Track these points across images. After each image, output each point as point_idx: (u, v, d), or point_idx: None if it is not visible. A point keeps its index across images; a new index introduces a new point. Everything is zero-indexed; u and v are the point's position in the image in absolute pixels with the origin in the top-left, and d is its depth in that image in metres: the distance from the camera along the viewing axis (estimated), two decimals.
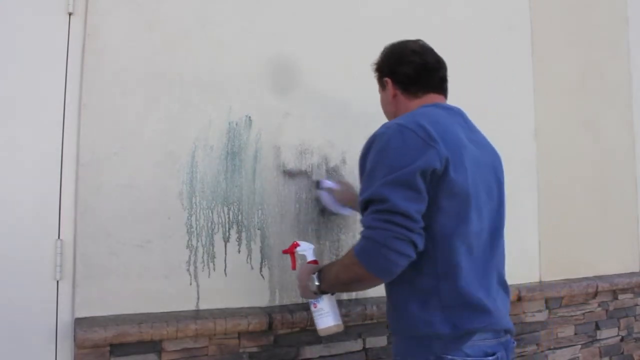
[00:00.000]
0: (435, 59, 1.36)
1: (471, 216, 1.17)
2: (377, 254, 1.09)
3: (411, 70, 1.34)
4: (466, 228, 1.16)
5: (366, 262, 1.12)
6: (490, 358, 1.16)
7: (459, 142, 1.19)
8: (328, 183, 1.78)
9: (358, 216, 1.92)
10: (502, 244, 1.30)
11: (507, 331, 1.23)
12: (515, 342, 1.30)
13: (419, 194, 1.10)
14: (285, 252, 1.64)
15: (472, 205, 1.17)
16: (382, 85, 1.43)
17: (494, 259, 1.25)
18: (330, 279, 1.32)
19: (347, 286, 1.39)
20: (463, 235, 1.16)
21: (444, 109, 1.29)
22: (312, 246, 1.57)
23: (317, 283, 1.36)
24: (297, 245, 1.58)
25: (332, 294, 1.44)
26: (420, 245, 1.11)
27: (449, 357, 1.14)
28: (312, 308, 1.46)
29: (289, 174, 1.81)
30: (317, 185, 1.82)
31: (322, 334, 1.48)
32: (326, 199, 1.78)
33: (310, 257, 1.53)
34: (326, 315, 1.44)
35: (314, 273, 1.38)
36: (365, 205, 1.15)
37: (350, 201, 1.72)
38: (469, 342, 1.14)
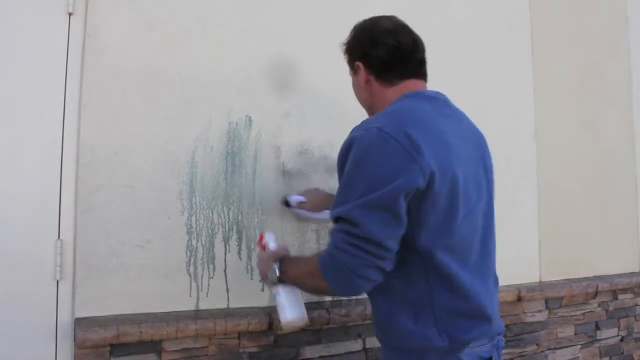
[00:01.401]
0: (411, 38, 1.21)
1: (459, 223, 1.09)
2: (343, 277, 1.05)
3: (385, 53, 1.19)
4: (453, 238, 1.09)
5: (330, 280, 1.07)
6: None
7: (446, 145, 1.08)
8: (296, 198, 1.69)
9: None
10: (493, 241, 1.22)
11: (499, 333, 1.20)
12: (504, 341, 1.27)
13: (397, 219, 1.02)
14: (258, 244, 1.52)
15: (461, 211, 1.09)
16: (354, 70, 1.27)
17: (489, 259, 1.20)
18: (293, 277, 1.25)
19: (311, 292, 1.32)
20: (452, 245, 1.09)
21: (428, 100, 1.16)
22: (272, 235, 1.47)
23: (277, 274, 1.27)
24: (263, 237, 1.48)
25: None
26: (390, 268, 1.05)
27: None
28: (275, 301, 1.35)
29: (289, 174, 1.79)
30: (287, 204, 1.71)
31: (284, 328, 1.41)
32: (303, 213, 1.71)
33: (272, 247, 1.42)
34: (284, 310, 1.32)
35: (275, 261, 1.29)
36: (336, 220, 1.07)
37: (324, 202, 1.62)
38: (465, 350, 1.11)
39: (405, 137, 1.02)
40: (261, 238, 1.47)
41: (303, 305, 1.34)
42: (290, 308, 1.31)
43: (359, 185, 1.04)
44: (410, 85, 1.20)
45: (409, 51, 1.20)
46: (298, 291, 1.33)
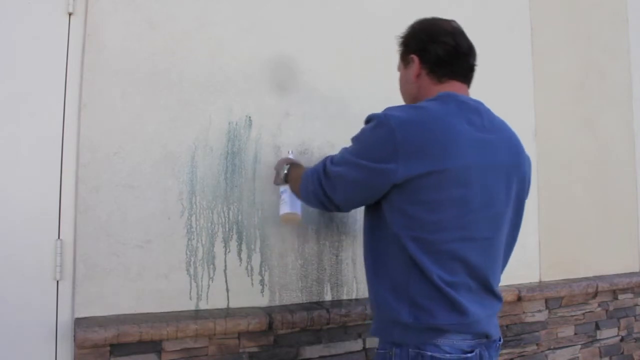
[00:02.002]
0: (467, 44, 1.27)
1: (445, 224, 1.13)
2: (305, 193, 1.38)
3: (442, 51, 1.25)
4: (431, 234, 1.14)
5: (300, 189, 1.40)
6: (469, 355, 1.15)
7: (452, 149, 1.12)
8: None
9: (359, 217, 1.92)
10: (498, 253, 1.24)
11: (487, 335, 1.19)
12: (501, 343, 1.28)
13: (362, 191, 1.21)
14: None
15: (449, 210, 1.13)
16: (406, 62, 1.33)
17: (486, 265, 1.20)
18: (290, 178, 1.57)
19: (294, 190, 1.55)
20: (427, 240, 1.14)
21: (457, 104, 1.20)
22: (292, 152, 1.76)
23: (285, 172, 1.59)
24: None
25: None
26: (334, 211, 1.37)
27: (429, 353, 1.13)
28: (279, 199, 1.65)
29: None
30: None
31: (281, 220, 1.67)
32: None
33: (290, 157, 1.71)
34: (284, 204, 1.61)
35: (288, 164, 1.60)
36: (324, 160, 1.31)
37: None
38: (443, 340, 1.13)
39: (404, 132, 1.12)
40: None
41: (300, 208, 1.62)
42: (291, 205, 1.60)
43: (352, 147, 1.24)
44: (455, 86, 1.26)
45: (464, 54, 1.27)
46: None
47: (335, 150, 1.93)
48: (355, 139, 1.25)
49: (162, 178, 1.61)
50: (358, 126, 2.03)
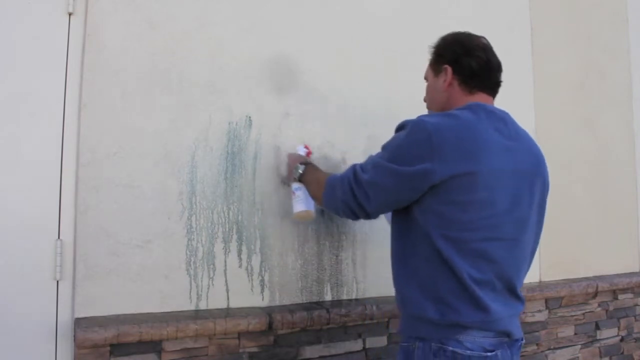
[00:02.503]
0: (497, 61, 1.36)
1: (475, 224, 1.18)
2: (331, 201, 1.39)
3: (476, 64, 1.32)
4: (462, 232, 1.19)
5: (324, 196, 1.41)
6: (489, 354, 1.18)
7: (481, 154, 1.19)
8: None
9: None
10: (523, 254, 1.29)
11: (509, 334, 1.23)
12: (523, 343, 1.31)
13: (395, 194, 1.24)
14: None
15: (477, 211, 1.18)
16: (437, 71, 1.39)
17: (512, 265, 1.25)
18: (306, 180, 1.57)
19: (311, 193, 1.57)
20: (458, 239, 1.19)
21: (485, 113, 1.27)
22: (303, 147, 1.75)
23: (300, 172, 1.59)
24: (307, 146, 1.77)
25: None
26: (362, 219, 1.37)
27: (450, 348, 1.17)
28: (292, 196, 1.66)
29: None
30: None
31: (295, 217, 1.69)
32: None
33: (302, 153, 1.72)
34: (300, 202, 1.63)
35: (302, 163, 1.61)
36: (354, 168, 1.32)
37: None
38: (465, 337, 1.18)
39: (439, 135, 1.17)
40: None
41: (314, 206, 1.64)
42: (306, 203, 1.62)
43: (385, 153, 1.27)
44: (483, 98, 1.33)
45: (495, 69, 1.36)
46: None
47: (334, 150, 1.95)
48: (387, 146, 1.28)
49: (162, 178, 1.61)
50: (358, 126, 2.04)
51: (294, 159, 1.67)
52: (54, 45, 1.54)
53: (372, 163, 1.28)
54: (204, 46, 1.70)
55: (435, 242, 1.19)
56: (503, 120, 1.29)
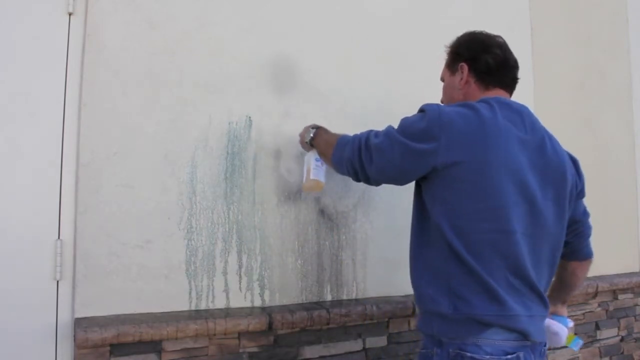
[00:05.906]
0: (514, 58, 1.38)
1: (482, 215, 1.19)
2: (339, 159, 1.42)
3: (493, 61, 1.34)
4: (472, 223, 1.20)
5: (333, 154, 1.45)
6: (509, 357, 1.15)
7: (492, 142, 1.20)
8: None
9: (358, 217, 1.92)
10: (541, 250, 1.27)
11: (527, 336, 1.19)
12: (546, 348, 1.29)
13: (401, 167, 1.27)
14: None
15: (486, 203, 1.19)
16: (453, 70, 1.41)
17: (528, 261, 1.22)
18: (318, 141, 1.60)
19: (320, 152, 1.60)
20: (462, 228, 1.20)
21: (500, 105, 1.27)
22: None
23: (311, 135, 1.62)
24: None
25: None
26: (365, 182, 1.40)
27: (469, 354, 1.15)
28: (305, 166, 1.66)
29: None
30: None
31: (304, 188, 1.71)
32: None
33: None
34: (317, 170, 1.64)
35: (313, 127, 1.64)
36: (368, 133, 1.36)
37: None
38: (484, 341, 1.15)
39: (449, 119, 1.20)
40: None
41: (324, 177, 1.65)
42: (317, 172, 1.63)
43: (398, 126, 1.30)
44: (500, 93, 1.36)
45: (512, 66, 1.38)
46: (325, 167, 1.64)
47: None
48: (404, 122, 1.31)
49: (162, 178, 1.61)
50: (358, 126, 2.03)
51: (306, 127, 1.69)
52: (54, 45, 1.54)
53: (386, 132, 1.32)
54: (204, 46, 1.70)
55: (445, 233, 1.21)
56: (519, 112, 1.30)
